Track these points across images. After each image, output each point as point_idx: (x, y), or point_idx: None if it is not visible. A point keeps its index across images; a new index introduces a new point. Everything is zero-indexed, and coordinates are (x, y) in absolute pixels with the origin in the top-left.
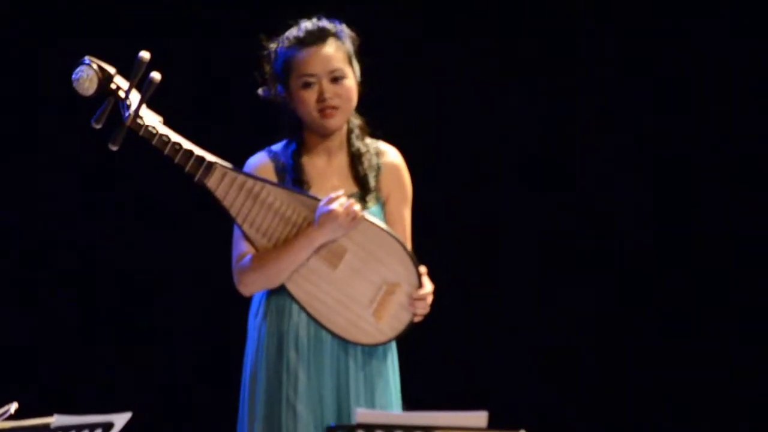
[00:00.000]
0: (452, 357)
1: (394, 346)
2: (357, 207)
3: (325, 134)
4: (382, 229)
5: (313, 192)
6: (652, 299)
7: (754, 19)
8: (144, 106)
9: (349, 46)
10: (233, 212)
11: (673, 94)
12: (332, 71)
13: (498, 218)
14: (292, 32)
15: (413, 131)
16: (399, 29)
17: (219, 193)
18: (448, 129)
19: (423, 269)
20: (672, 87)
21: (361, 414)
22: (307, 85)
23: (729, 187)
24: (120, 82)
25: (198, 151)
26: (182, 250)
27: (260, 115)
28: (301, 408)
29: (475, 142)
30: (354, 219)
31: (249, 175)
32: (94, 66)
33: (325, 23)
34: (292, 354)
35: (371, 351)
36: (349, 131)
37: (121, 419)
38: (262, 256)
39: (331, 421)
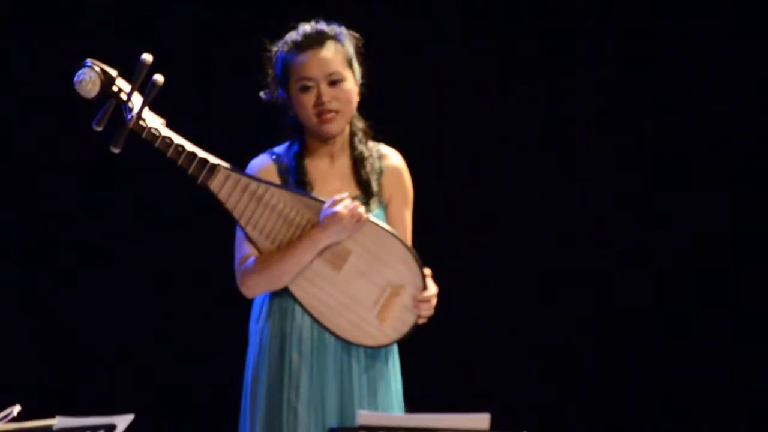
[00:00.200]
0: (453, 358)
1: (395, 348)
2: (362, 209)
3: (326, 138)
4: (386, 231)
5: (315, 194)
6: (651, 299)
7: (754, 19)
8: (146, 109)
9: (349, 48)
10: (236, 214)
11: (673, 94)
12: (330, 74)
13: (498, 218)
14: (292, 36)
15: (413, 131)
16: (399, 29)
17: (222, 196)
18: (448, 129)
19: (427, 271)
20: (672, 87)
21: (363, 416)
22: (305, 89)
23: (729, 186)
24: (122, 84)
25: (201, 153)
26: (183, 250)
27: (261, 116)
28: (303, 410)
29: (475, 142)
30: (359, 221)
31: (252, 177)
32: (97, 68)
33: (323, 27)
34: (295, 356)
35: (374, 353)
36: (352, 134)
37: (123, 421)
38: (266, 258)
39: (333, 423)
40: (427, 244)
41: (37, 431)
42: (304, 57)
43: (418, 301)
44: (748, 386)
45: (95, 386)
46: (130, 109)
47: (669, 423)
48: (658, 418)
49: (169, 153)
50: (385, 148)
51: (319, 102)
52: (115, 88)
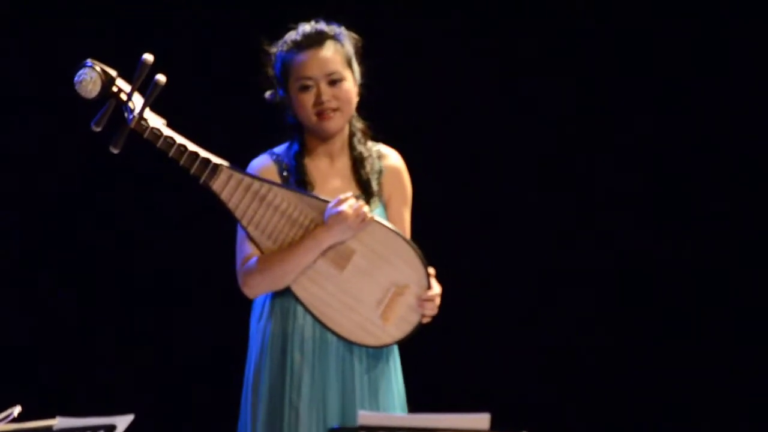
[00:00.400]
0: (453, 358)
1: (395, 347)
2: (366, 209)
3: (325, 137)
4: (391, 230)
5: (315, 194)
6: (652, 299)
7: (754, 18)
8: (147, 109)
9: (348, 48)
10: (238, 214)
11: (673, 94)
12: (329, 74)
13: (498, 218)
14: (291, 36)
15: (412, 132)
16: (398, 29)
17: (224, 196)
18: (448, 129)
19: (431, 270)
20: (672, 87)
21: (364, 416)
22: (304, 89)
23: (729, 186)
24: (122, 84)
25: (203, 153)
26: (183, 250)
27: (261, 116)
28: (304, 410)
29: (474, 142)
30: (363, 221)
31: (255, 177)
32: (97, 68)
33: (323, 26)
34: (297, 356)
35: (376, 353)
36: (351, 135)
37: (123, 421)
38: (268, 258)
39: (334, 423)
40: (427, 244)
41: None
42: (304, 56)
43: (423, 301)
44: (749, 386)
45: (95, 386)
46: (131, 110)
47: (669, 423)
48: (658, 418)
49: (171, 153)
50: (384, 148)
51: (318, 101)
52: (115, 89)
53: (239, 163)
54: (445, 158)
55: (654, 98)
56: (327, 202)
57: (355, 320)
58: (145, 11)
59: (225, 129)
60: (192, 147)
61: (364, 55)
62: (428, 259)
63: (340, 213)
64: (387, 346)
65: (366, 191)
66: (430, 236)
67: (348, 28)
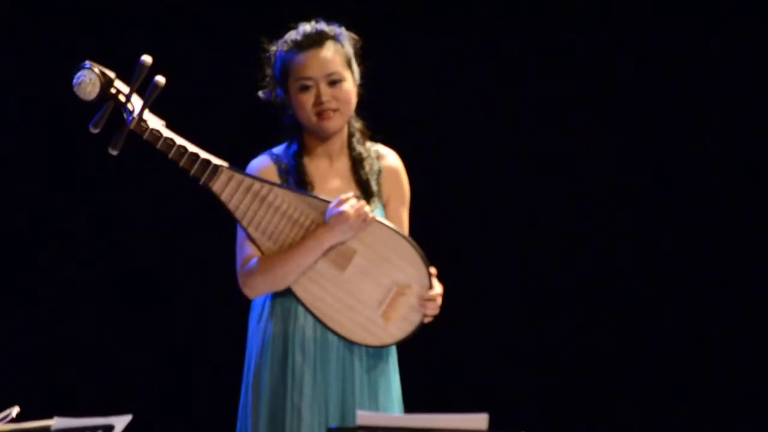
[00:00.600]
0: (452, 358)
1: (394, 347)
2: (367, 209)
3: (324, 137)
4: (392, 230)
5: (315, 194)
6: (652, 300)
7: (754, 18)
8: (146, 110)
9: (348, 49)
10: (238, 215)
11: (673, 94)
12: (329, 74)
13: (497, 218)
14: (291, 36)
15: (411, 132)
16: (399, 29)
17: (225, 197)
18: (447, 129)
19: (433, 270)
20: (672, 86)
21: (362, 416)
22: (304, 89)
23: (729, 187)
24: (120, 86)
25: (203, 154)
26: (183, 251)
27: (260, 117)
28: (306, 410)
29: (474, 142)
30: (365, 221)
31: (255, 178)
32: (96, 70)
33: (323, 27)
34: (298, 356)
35: (376, 353)
36: (350, 135)
37: (121, 421)
38: (269, 258)
39: (335, 422)
40: (426, 244)
41: None
42: (304, 56)
43: (425, 300)
44: (749, 386)
45: (95, 386)
46: (130, 111)
47: (669, 423)
48: (658, 418)
49: (171, 154)
50: (382, 149)
51: (318, 101)
52: (113, 90)
53: (238, 163)
54: (443, 158)
55: (654, 98)
56: (327, 202)
57: (356, 320)
58: (145, 11)
59: (224, 129)
60: (192, 148)
61: (363, 55)
62: (427, 258)
63: (341, 213)
64: (388, 345)
65: (365, 191)
66: (429, 236)
67: (347, 28)
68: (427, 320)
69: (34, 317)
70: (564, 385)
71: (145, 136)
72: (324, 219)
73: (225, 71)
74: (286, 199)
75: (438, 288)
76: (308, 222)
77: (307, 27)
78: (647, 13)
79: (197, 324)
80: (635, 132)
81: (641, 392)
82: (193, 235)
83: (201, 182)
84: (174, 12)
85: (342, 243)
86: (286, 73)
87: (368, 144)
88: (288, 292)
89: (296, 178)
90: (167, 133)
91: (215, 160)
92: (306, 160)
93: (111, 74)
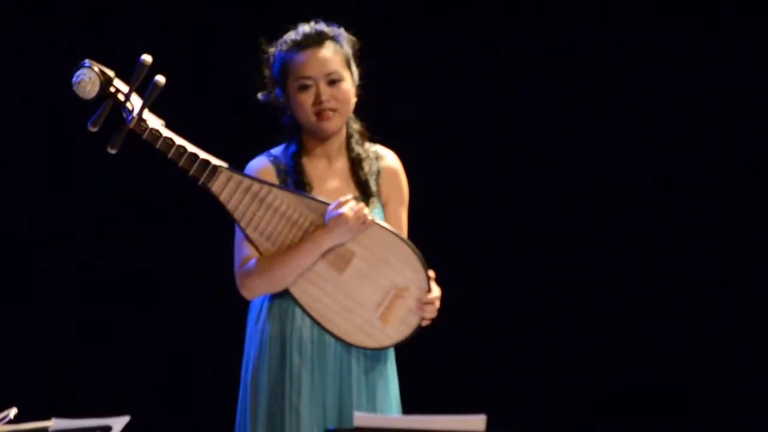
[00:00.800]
0: (451, 359)
1: (392, 349)
2: (367, 211)
3: (323, 137)
4: (391, 232)
5: (314, 195)
6: (652, 300)
7: (754, 18)
8: (146, 110)
9: (347, 49)
10: (237, 216)
11: (673, 94)
12: (329, 74)
13: (496, 218)
14: (290, 36)
15: (410, 132)
16: (398, 29)
17: (223, 197)
18: (446, 130)
19: (431, 273)
20: (672, 86)
21: (360, 417)
22: (304, 88)
23: (729, 186)
24: (119, 85)
25: (202, 154)
26: (182, 251)
27: (260, 117)
28: (305, 411)
29: (473, 142)
30: (364, 223)
31: (255, 179)
32: (95, 69)
33: (323, 27)
34: (296, 357)
35: (374, 354)
36: (349, 136)
37: (119, 423)
38: (268, 260)
39: (333, 423)
40: (425, 244)
41: None
42: (304, 56)
43: (423, 304)
44: (749, 386)
45: (95, 386)
46: (129, 110)
47: (669, 423)
48: (658, 418)
49: (171, 154)
50: (381, 149)
51: (317, 101)
52: (112, 89)
53: (237, 164)
54: (443, 158)
55: (654, 97)
56: (326, 204)
57: (354, 322)
58: (145, 11)
59: (224, 130)
60: (191, 148)
61: (362, 56)
62: (426, 259)
63: (340, 215)
64: (386, 348)
65: (364, 192)
66: (428, 236)
67: (347, 28)
68: (424, 323)
69: (34, 317)
70: (564, 385)
71: (145, 135)
72: (323, 221)
73: (225, 71)
74: (285, 200)
75: (436, 291)
76: (307, 223)
77: (306, 27)
78: (647, 13)
79: (197, 324)
80: (635, 132)
81: (641, 392)
82: (193, 235)
83: (200, 182)
84: (174, 12)
85: (341, 245)
86: (285, 73)
87: (367, 145)
88: (286, 294)
89: (295, 179)
90: (166, 132)
91: (214, 161)
92: (305, 161)
93: (110, 73)
